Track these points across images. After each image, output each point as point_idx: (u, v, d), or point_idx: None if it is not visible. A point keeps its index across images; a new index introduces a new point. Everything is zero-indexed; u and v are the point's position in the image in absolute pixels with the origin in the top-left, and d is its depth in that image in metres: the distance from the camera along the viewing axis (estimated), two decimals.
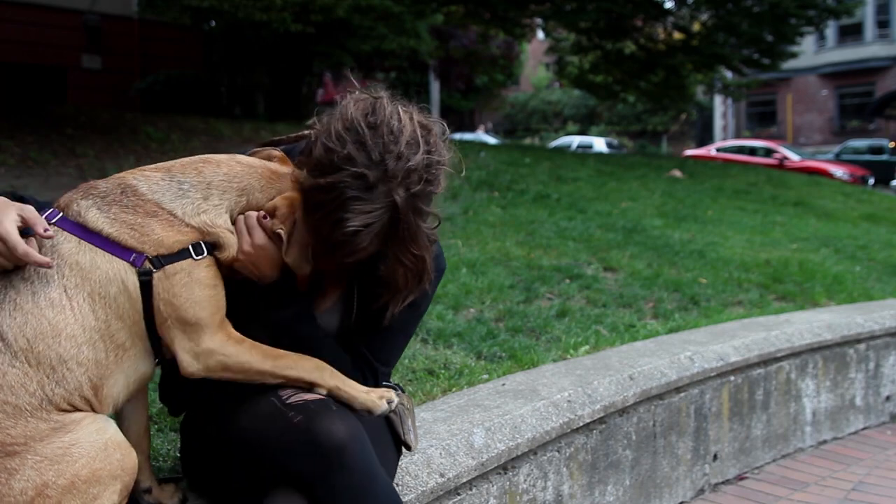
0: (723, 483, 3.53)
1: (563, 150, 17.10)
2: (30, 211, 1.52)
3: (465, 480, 2.25)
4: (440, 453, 2.21)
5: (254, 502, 1.63)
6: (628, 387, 2.95)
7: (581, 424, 2.72)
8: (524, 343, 3.49)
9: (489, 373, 3.07)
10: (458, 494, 2.27)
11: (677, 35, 15.79)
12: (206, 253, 1.61)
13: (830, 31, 30.26)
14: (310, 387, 1.67)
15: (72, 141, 7.96)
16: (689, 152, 24.91)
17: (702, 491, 3.42)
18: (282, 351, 1.68)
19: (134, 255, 1.55)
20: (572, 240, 5.87)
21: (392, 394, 1.75)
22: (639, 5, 14.14)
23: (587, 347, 3.46)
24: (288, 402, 1.63)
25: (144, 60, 16.28)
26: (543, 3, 15.14)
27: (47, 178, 6.43)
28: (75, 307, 1.51)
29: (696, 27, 15.49)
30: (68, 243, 1.55)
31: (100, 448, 1.49)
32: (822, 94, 32.66)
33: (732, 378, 3.53)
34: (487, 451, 2.32)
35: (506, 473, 2.46)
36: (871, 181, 20.47)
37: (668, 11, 15.43)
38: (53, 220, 1.57)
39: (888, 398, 4.50)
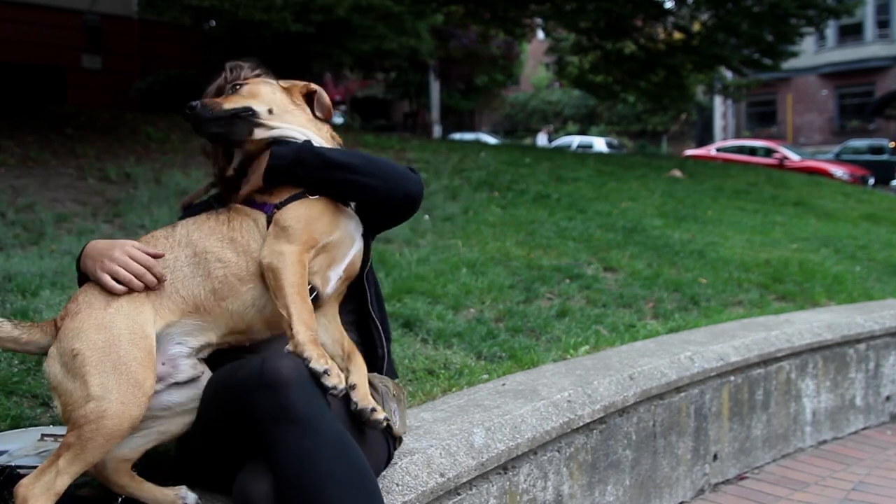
0: (723, 483, 3.53)
1: (563, 150, 17.09)
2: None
3: (465, 480, 2.25)
4: (440, 453, 2.21)
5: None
6: (628, 387, 2.95)
7: (581, 424, 2.72)
8: (524, 343, 3.49)
9: (489, 373, 3.07)
10: (458, 494, 2.27)
11: (677, 35, 15.77)
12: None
13: (830, 31, 30.26)
14: (290, 334, 1.83)
15: (72, 141, 7.96)
16: (689, 152, 24.89)
17: (702, 491, 3.42)
18: (306, 300, 1.87)
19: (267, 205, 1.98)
20: (572, 240, 5.87)
21: (336, 369, 1.80)
22: (639, 5, 14.12)
23: (587, 347, 3.46)
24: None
25: (144, 60, 16.27)
26: (543, 3, 15.13)
27: (47, 178, 6.42)
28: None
29: (696, 27, 15.47)
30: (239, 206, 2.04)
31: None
32: (822, 94, 32.65)
33: (732, 378, 3.53)
34: (487, 451, 2.32)
35: (506, 473, 2.46)
36: (871, 181, 20.46)
37: (668, 11, 15.42)
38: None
39: (888, 398, 4.50)
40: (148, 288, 1.84)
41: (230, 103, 2.02)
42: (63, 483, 1.64)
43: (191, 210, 2.18)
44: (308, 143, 2.01)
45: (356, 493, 1.64)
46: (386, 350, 2.23)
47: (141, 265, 1.84)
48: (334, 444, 1.66)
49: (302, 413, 1.65)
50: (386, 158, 2.10)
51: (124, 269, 1.83)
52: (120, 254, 1.85)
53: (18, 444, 2.10)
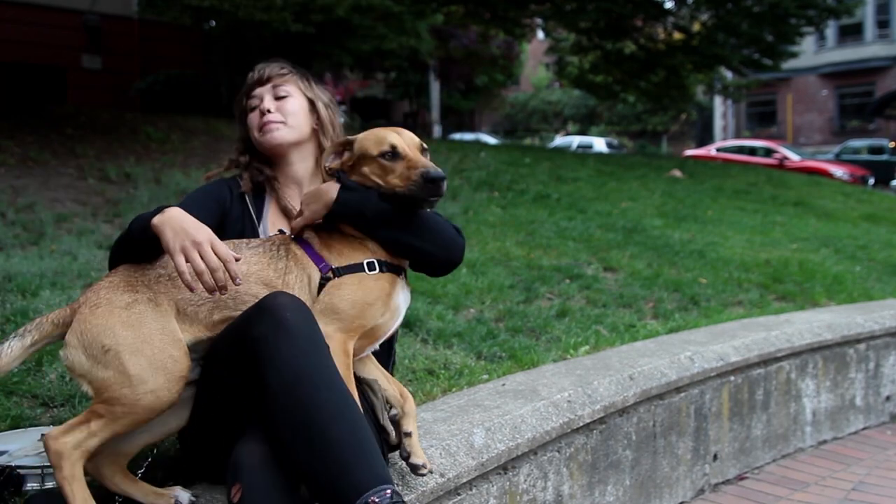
0: (723, 483, 3.53)
1: (563, 150, 17.09)
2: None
3: (465, 480, 2.25)
4: (440, 453, 2.21)
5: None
6: (628, 387, 2.95)
7: (581, 424, 2.72)
8: (524, 343, 3.49)
9: (489, 373, 3.07)
10: (459, 494, 2.27)
11: (677, 35, 15.76)
12: (378, 270, 1.94)
13: (830, 31, 30.25)
14: None
15: (72, 141, 7.96)
16: (689, 152, 24.89)
17: (702, 491, 3.42)
18: (353, 385, 1.87)
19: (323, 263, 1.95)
20: (572, 240, 5.87)
21: (423, 459, 1.97)
22: (639, 5, 14.12)
23: (587, 347, 3.46)
24: None
25: (144, 60, 16.26)
26: (543, 3, 15.13)
27: (47, 178, 6.42)
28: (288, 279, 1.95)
29: (696, 27, 15.47)
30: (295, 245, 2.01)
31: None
32: (822, 94, 32.65)
33: (732, 378, 3.53)
34: (487, 452, 2.32)
35: (506, 473, 2.46)
36: (871, 181, 20.45)
37: (668, 11, 15.41)
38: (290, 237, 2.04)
39: (888, 398, 4.50)
40: (214, 288, 1.76)
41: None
42: (94, 444, 1.71)
43: (212, 185, 2.23)
44: (374, 193, 1.97)
45: (343, 410, 1.66)
46: (395, 355, 2.32)
47: (221, 259, 1.76)
48: (328, 362, 1.71)
49: (296, 328, 1.70)
50: (437, 217, 2.06)
51: (203, 258, 1.75)
52: (205, 240, 1.76)
53: (18, 444, 2.11)
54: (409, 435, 1.96)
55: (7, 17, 14.10)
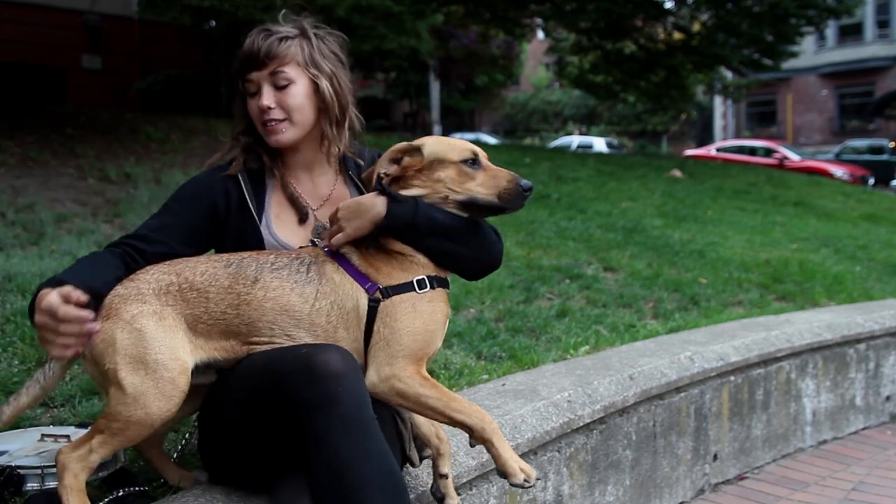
0: (723, 483, 3.53)
1: (563, 150, 17.09)
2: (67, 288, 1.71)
3: (465, 480, 2.25)
4: None
5: (262, 475, 1.77)
6: (628, 387, 2.95)
7: (581, 424, 2.72)
8: (524, 343, 3.49)
9: (489, 373, 3.07)
10: (459, 494, 2.26)
11: (677, 35, 15.78)
12: (429, 287, 1.84)
13: (830, 31, 30.25)
14: (470, 432, 1.81)
15: (72, 141, 7.95)
16: (689, 152, 24.90)
17: (702, 491, 3.42)
18: (456, 395, 1.82)
19: (369, 283, 1.83)
20: (572, 240, 5.87)
21: (534, 473, 1.82)
22: (639, 5, 14.13)
23: (587, 347, 3.46)
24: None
25: (144, 60, 16.27)
26: (543, 3, 15.13)
27: (47, 178, 6.42)
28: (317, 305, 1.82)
29: (696, 27, 15.48)
30: (331, 265, 1.88)
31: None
32: (822, 94, 32.65)
33: (732, 378, 3.53)
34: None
35: None
36: (871, 181, 20.46)
37: (668, 11, 15.42)
38: (324, 249, 1.91)
39: (888, 398, 4.50)
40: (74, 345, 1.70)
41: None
42: (95, 459, 1.76)
43: (201, 184, 2.07)
44: (422, 202, 1.89)
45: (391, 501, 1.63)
46: None
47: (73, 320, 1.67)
48: (377, 446, 1.65)
49: (348, 408, 1.62)
50: (482, 222, 1.99)
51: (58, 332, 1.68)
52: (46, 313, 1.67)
53: (18, 444, 2.11)
54: (444, 476, 1.93)
55: (7, 17, 14.11)
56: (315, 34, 2.08)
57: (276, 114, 2.02)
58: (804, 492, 3.49)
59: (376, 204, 1.87)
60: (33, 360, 2.79)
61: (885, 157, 23.45)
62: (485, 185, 1.89)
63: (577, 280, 4.77)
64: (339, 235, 1.87)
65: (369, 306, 1.81)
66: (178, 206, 2.02)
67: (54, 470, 1.79)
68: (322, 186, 2.13)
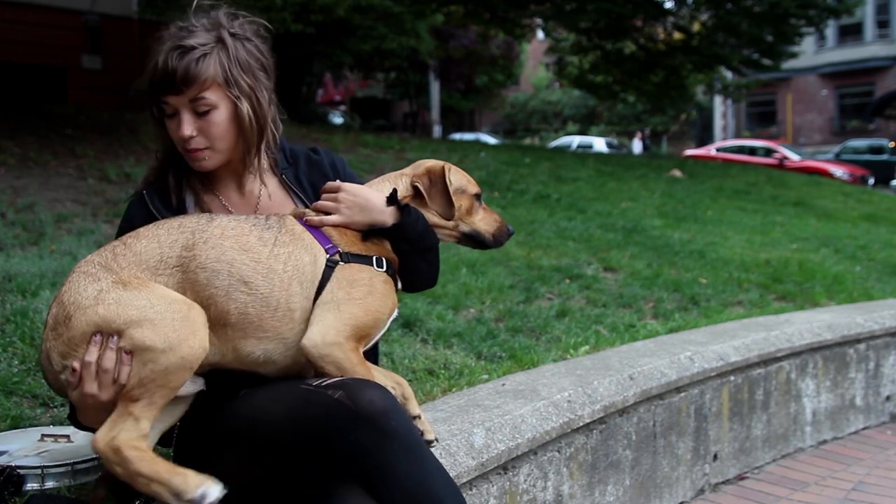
0: (723, 483, 3.53)
1: (563, 150, 17.09)
2: None
3: (465, 480, 2.25)
4: (440, 453, 2.21)
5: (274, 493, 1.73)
6: (628, 387, 2.95)
7: (581, 424, 2.72)
8: (524, 343, 3.49)
9: (489, 373, 3.07)
10: None
11: (677, 35, 15.79)
12: (385, 268, 1.86)
13: (830, 31, 30.24)
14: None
15: (72, 141, 7.95)
16: (689, 152, 24.91)
17: (702, 491, 3.42)
18: (373, 367, 1.86)
19: (330, 244, 1.83)
20: (572, 240, 5.88)
21: (432, 434, 1.93)
22: (639, 5, 14.13)
23: (587, 347, 3.46)
24: (323, 384, 1.69)
25: (144, 60, 16.25)
26: (543, 3, 15.14)
27: (47, 178, 6.42)
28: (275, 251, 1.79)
29: (696, 27, 15.49)
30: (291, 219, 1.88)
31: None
32: (822, 94, 32.66)
33: (732, 378, 3.53)
34: (487, 451, 2.32)
35: (506, 473, 2.46)
36: (871, 181, 20.46)
37: (668, 11, 15.43)
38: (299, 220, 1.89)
39: (888, 398, 4.50)
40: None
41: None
42: (146, 426, 1.63)
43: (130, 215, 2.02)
44: (424, 217, 1.98)
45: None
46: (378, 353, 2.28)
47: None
48: (439, 469, 1.69)
49: (407, 439, 1.65)
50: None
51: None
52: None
53: (18, 444, 2.11)
54: (417, 417, 1.90)
55: (7, 17, 14.09)
56: (232, 34, 1.92)
57: (199, 142, 1.92)
58: (804, 492, 3.49)
59: (384, 212, 1.91)
60: (33, 360, 2.79)
61: (884, 157, 23.45)
62: (485, 221, 2.06)
63: (577, 280, 4.77)
64: (331, 217, 1.87)
65: (326, 266, 1.79)
66: None
67: (54, 470, 1.79)
68: (250, 195, 2.06)
